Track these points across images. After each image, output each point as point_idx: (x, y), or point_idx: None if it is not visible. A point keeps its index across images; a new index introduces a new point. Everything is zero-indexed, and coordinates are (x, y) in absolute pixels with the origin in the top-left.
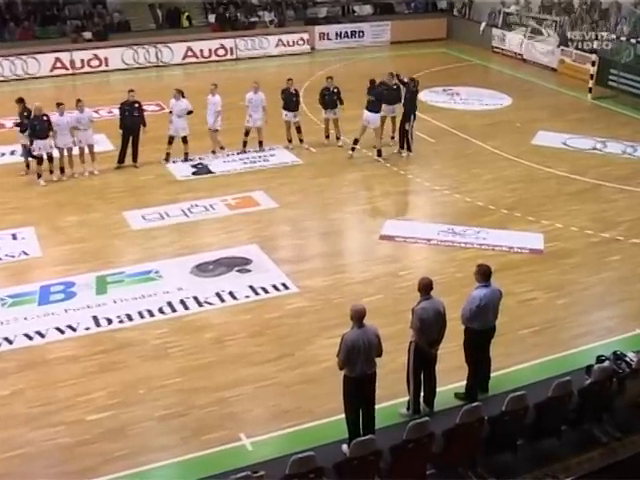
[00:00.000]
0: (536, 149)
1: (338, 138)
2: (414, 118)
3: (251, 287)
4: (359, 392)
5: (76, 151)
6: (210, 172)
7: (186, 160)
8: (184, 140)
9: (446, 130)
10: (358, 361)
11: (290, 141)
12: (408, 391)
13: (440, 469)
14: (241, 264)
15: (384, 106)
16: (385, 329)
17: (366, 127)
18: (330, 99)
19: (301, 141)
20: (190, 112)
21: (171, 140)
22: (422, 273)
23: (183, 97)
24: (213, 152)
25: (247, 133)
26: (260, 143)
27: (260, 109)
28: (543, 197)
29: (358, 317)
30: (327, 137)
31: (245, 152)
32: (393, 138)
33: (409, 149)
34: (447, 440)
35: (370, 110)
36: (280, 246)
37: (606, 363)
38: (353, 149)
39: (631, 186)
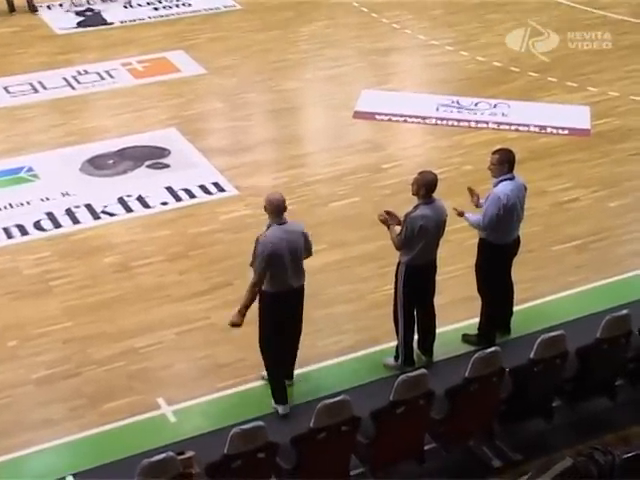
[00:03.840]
0: None
1: None
2: None
3: (170, 189)
4: (284, 315)
5: None
6: (104, 22)
7: (31, 9)
8: None
9: None
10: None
11: None
12: (396, 333)
13: (443, 442)
14: (155, 156)
15: None
16: (362, 246)
17: None
18: None
19: None
20: None
21: None
22: (415, 166)
23: None
24: None
25: None
26: None
27: None
28: (590, 53)
29: (278, 211)
30: None
31: None
32: None
33: None
34: (452, 401)
35: None
36: (210, 130)
37: None
38: None
39: None
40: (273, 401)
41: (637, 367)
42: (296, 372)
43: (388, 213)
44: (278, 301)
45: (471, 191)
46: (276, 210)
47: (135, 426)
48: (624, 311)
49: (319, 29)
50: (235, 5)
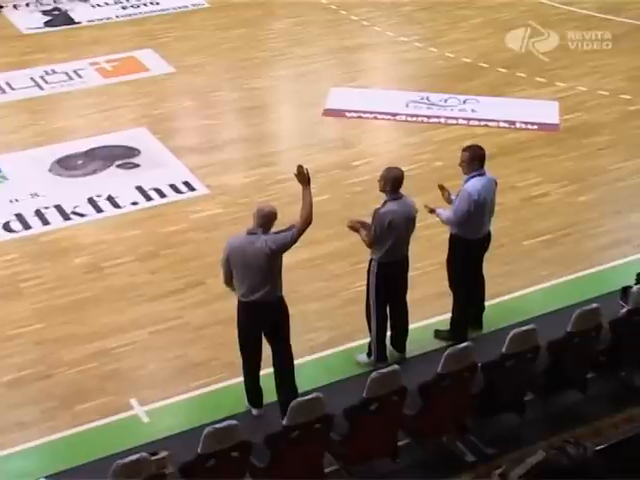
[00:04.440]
0: None
1: None
2: None
3: (140, 189)
4: (255, 326)
5: None
6: (72, 22)
7: None
8: None
9: None
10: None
11: None
12: (369, 330)
13: (416, 438)
14: (124, 156)
15: None
16: (333, 243)
17: None
18: None
19: None
20: None
21: None
22: (385, 162)
23: None
24: None
25: None
26: None
27: None
28: (558, 48)
29: (259, 221)
30: None
31: None
32: None
33: None
34: (425, 397)
35: None
36: (180, 129)
37: None
38: None
39: None
40: (246, 400)
41: (608, 360)
42: (263, 372)
43: (360, 223)
44: (247, 310)
45: (442, 188)
46: (259, 220)
47: (108, 427)
48: (594, 305)
49: (288, 27)
50: (203, 3)
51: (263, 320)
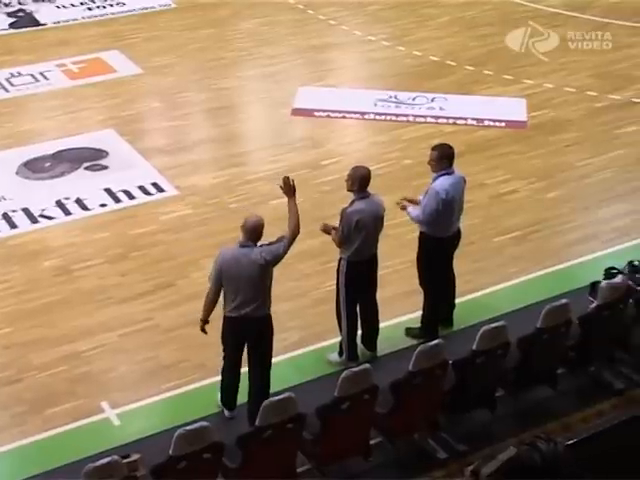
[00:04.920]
0: None
1: None
2: None
3: (108, 191)
4: (240, 341)
5: None
6: (37, 23)
7: None
8: None
9: None
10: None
11: None
12: (339, 329)
13: (388, 436)
14: (92, 158)
15: None
16: (303, 243)
17: None
18: None
19: None
20: None
21: None
22: (354, 161)
23: None
24: None
25: None
26: None
27: None
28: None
29: (247, 233)
30: None
31: None
32: None
33: None
34: (397, 395)
35: None
36: (148, 130)
37: (618, 278)
38: None
39: None
40: (219, 400)
41: (577, 355)
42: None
43: (332, 227)
44: (233, 325)
45: (403, 208)
46: (247, 234)
47: (79, 431)
48: (563, 300)
49: (255, 27)
50: (170, 4)
51: (248, 335)
